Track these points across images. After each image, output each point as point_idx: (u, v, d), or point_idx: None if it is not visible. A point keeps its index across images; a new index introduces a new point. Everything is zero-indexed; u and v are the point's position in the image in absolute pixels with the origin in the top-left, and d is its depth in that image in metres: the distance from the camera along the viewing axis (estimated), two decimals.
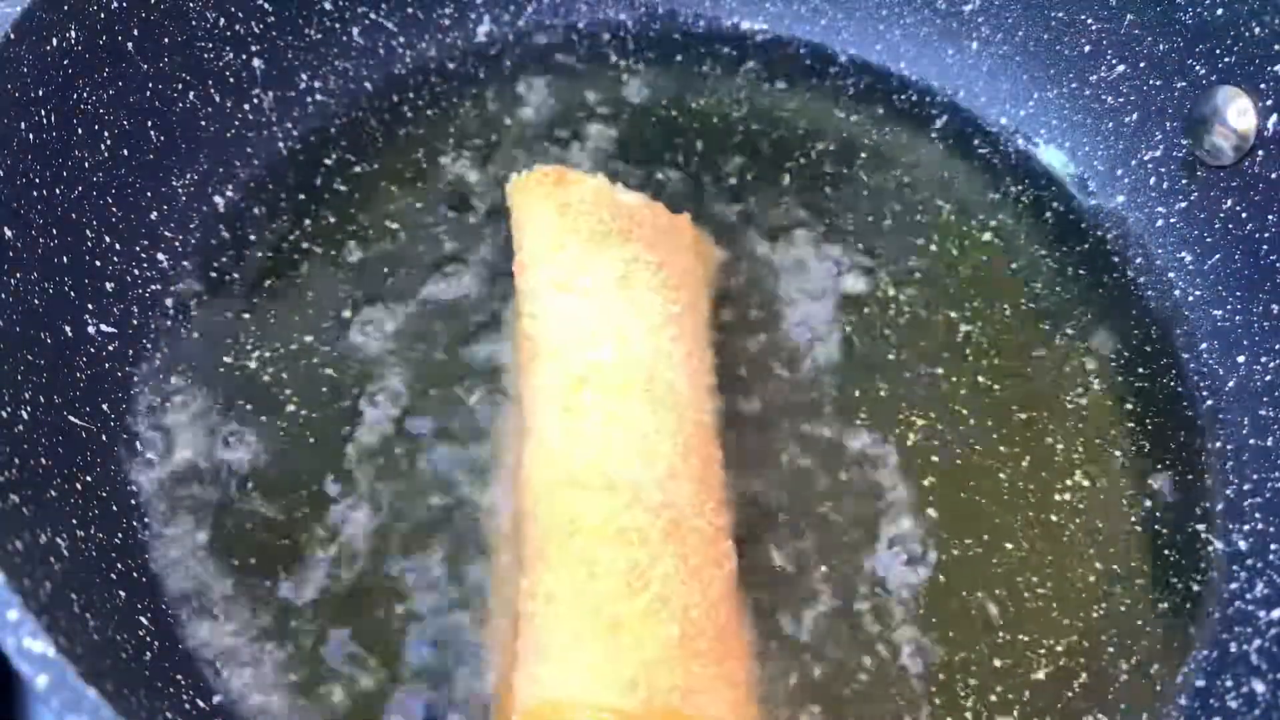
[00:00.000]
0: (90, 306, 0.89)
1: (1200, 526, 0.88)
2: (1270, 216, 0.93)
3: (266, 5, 1.05)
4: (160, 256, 0.97)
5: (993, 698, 0.81)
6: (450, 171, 1.06)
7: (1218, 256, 0.98)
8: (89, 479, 0.82)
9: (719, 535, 0.81)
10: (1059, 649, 0.83)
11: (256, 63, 1.05)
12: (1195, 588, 0.86)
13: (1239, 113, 0.95)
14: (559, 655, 0.73)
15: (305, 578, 0.83)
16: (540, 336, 0.87)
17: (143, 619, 0.78)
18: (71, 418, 0.83)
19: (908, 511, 0.87)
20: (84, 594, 0.73)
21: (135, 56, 0.94)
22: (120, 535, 0.82)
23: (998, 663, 0.82)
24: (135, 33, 0.94)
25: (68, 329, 0.86)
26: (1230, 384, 0.94)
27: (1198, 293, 0.99)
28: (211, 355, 0.93)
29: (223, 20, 1.01)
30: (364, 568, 0.83)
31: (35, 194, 0.85)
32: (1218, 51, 0.97)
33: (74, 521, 0.78)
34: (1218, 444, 0.92)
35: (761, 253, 1.01)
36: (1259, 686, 0.78)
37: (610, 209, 0.93)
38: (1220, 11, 0.96)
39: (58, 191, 0.87)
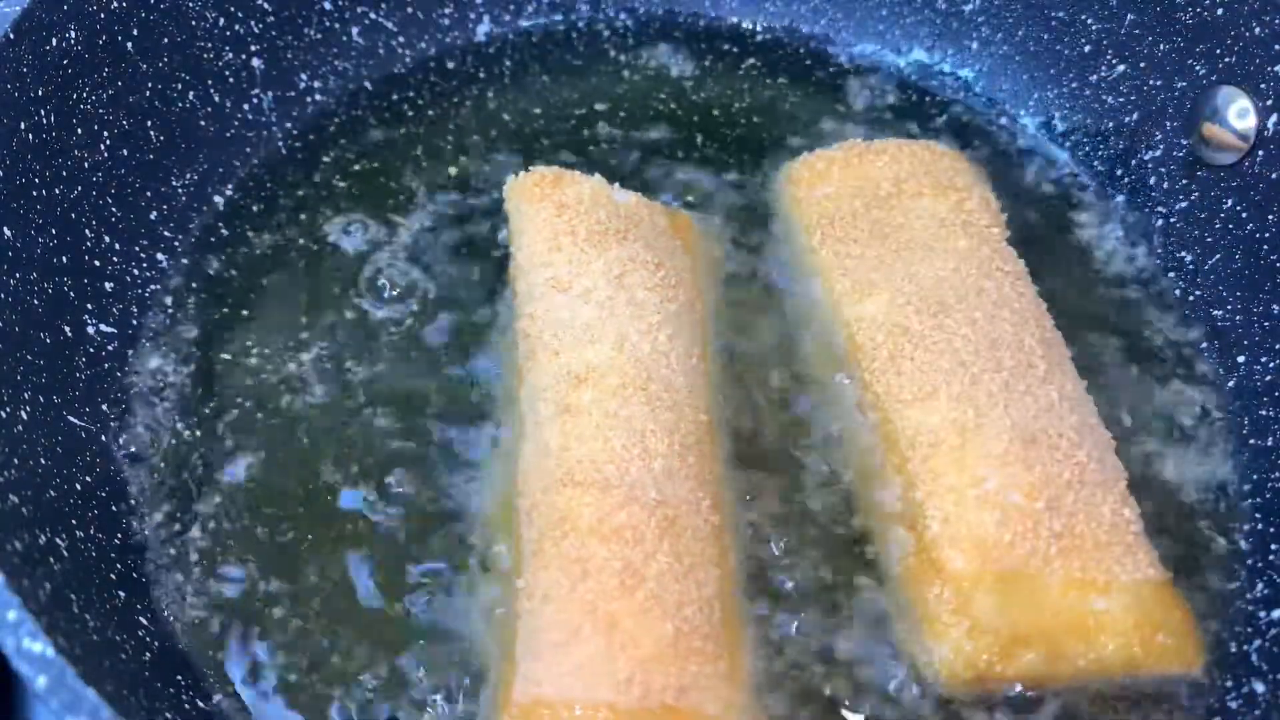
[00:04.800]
0: (90, 306, 0.89)
1: (1201, 526, 0.88)
2: (1270, 216, 0.93)
3: (266, 5, 1.05)
4: (160, 256, 0.97)
5: (999, 699, 0.80)
6: (449, 171, 1.06)
7: (1218, 256, 0.98)
8: (89, 479, 0.82)
9: (715, 532, 0.81)
10: None
11: (256, 63, 1.05)
12: (1197, 588, 0.86)
13: (1239, 113, 0.95)
14: (554, 653, 0.73)
15: (303, 576, 0.83)
16: (538, 336, 0.87)
17: (142, 619, 0.78)
18: (71, 418, 0.83)
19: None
20: (84, 594, 0.73)
21: (135, 56, 0.94)
22: (120, 535, 0.82)
23: None
24: (135, 33, 0.94)
25: (67, 329, 0.87)
26: (1230, 384, 0.94)
27: (1198, 293, 0.99)
28: (211, 354, 0.93)
29: (223, 20, 1.02)
30: (362, 566, 0.83)
31: (35, 194, 0.85)
32: (1218, 51, 0.97)
33: (74, 521, 0.78)
34: (1218, 444, 0.92)
35: (763, 250, 1.01)
36: (1259, 686, 0.78)
37: (608, 209, 0.94)
38: (1220, 11, 0.96)
39: (58, 191, 0.87)
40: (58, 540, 0.75)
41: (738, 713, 0.75)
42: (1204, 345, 0.97)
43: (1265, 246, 0.93)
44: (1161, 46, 1.02)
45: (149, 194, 0.97)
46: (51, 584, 0.70)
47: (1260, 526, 0.87)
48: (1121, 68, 1.05)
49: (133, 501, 0.85)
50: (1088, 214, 1.05)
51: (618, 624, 0.73)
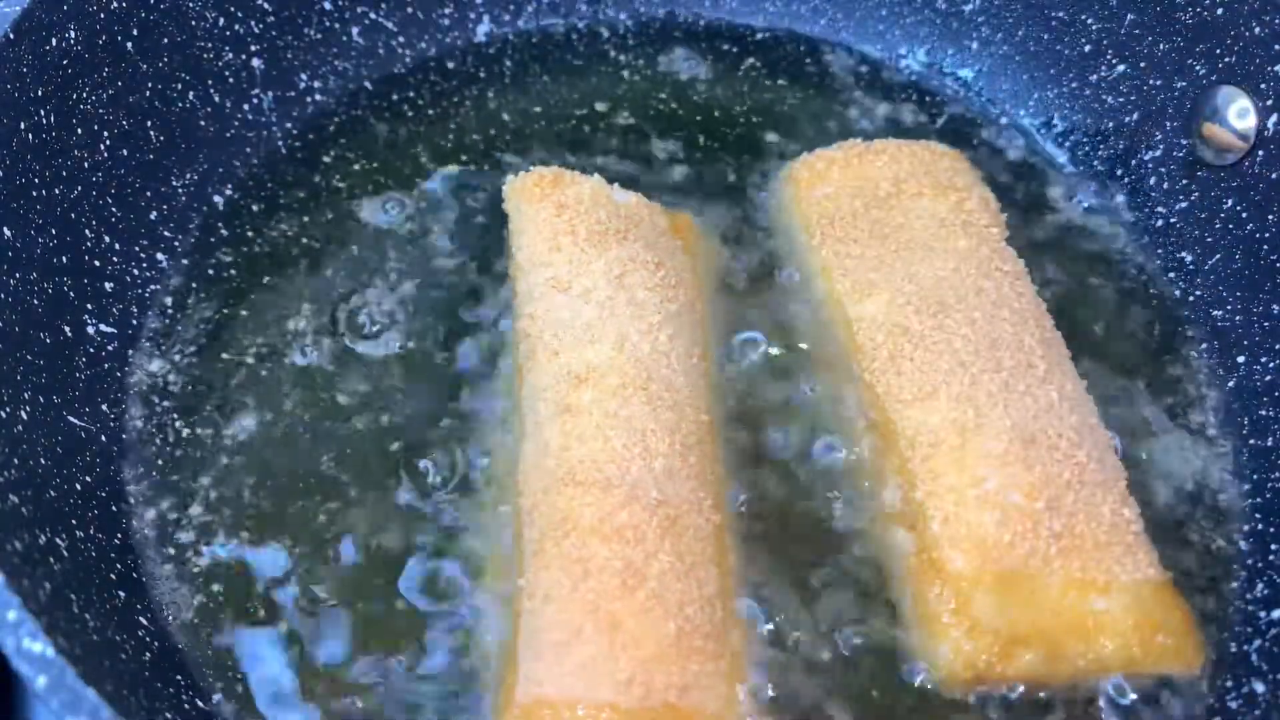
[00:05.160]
0: (90, 306, 0.89)
1: (1200, 526, 0.88)
2: (1270, 216, 0.93)
3: (266, 5, 1.05)
4: (160, 256, 0.97)
5: (1000, 699, 0.80)
6: (449, 170, 1.06)
7: (1218, 256, 0.98)
8: (89, 479, 0.82)
9: (717, 532, 0.81)
10: None
11: (256, 63, 1.05)
12: (1197, 588, 0.86)
13: (1239, 113, 0.95)
14: (556, 653, 0.73)
15: (305, 576, 0.83)
16: (538, 336, 0.87)
17: (142, 619, 0.78)
18: (71, 418, 0.83)
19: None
20: (84, 594, 0.73)
21: (135, 56, 0.94)
22: (120, 535, 0.82)
23: None
24: (135, 33, 0.94)
25: (67, 329, 0.87)
26: (1230, 384, 0.94)
27: (1198, 293, 0.99)
28: (210, 352, 0.93)
29: (223, 20, 1.02)
30: (362, 565, 0.83)
31: (35, 194, 0.85)
32: (1218, 51, 0.97)
33: (74, 521, 0.78)
34: (1218, 444, 0.92)
35: (763, 250, 1.01)
36: (1259, 686, 0.78)
37: (607, 209, 0.94)
38: (1220, 11, 0.96)
39: (58, 191, 0.87)
40: (58, 540, 0.75)
41: (738, 712, 0.75)
42: (1204, 345, 0.97)
43: (1265, 246, 0.94)
44: (1161, 46, 1.02)
45: (149, 194, 0.96)
46: (51, 584, 0.70)
47: (1260, 526, 0.87)
48: (1121, 68, 1.05)
49: (132, 501, 0.85)
50: (1087, 214, 1.05)
51: (619, 623, 0.73)
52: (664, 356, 0.86)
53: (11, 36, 0.82)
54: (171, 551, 0.83)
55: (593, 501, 0.78)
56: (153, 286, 0.96)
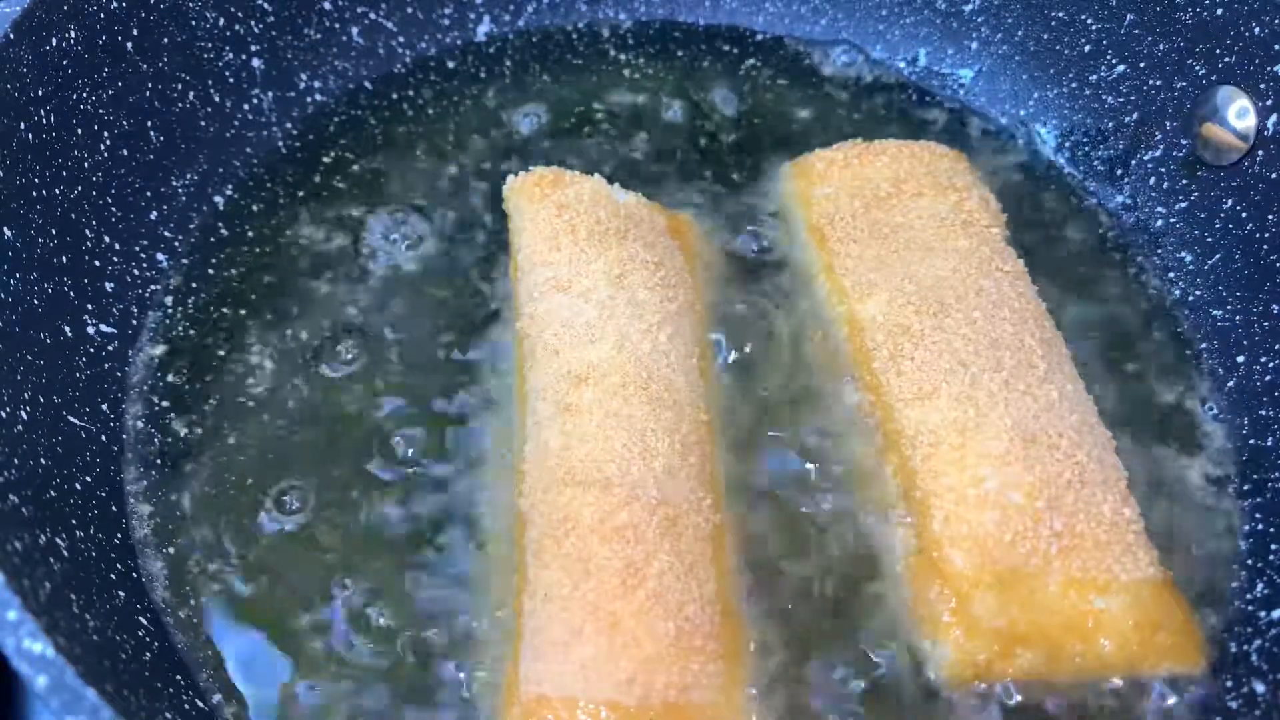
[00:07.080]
0: (90, 306, 0.89)
1: (1200, 526, 0.88)
2: (1270, 216, 0.93)
3: (266, 5, 1.05)
4: (160, 256, 0.97)
5: (1000, 698, 0.80)
6: (449, 170, 1.06)
7: (1218, 256, 0.98)
8: (89, 479, 0.82)
9: (716, 532, 0.81)
10: None
11: (256, 63, 1.05)
12: (1197, 588, 0.86)
13: (1239, 113, 0.95)
14: (556, 653, 0.73)
15: (306, 575, 0.83)
16: (538, 336, 0.87)
17: (142, 619, 0.78)
18: (71, 418, 0.83)
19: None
20: (84, 594, 0.73)
21: (135, 56, 0.94)
22: (120, 535, 0.82)
23: None
24: (135, 33, 0.94)
25: (68, 329, 0.87)
26: (1230, 384, 0.94)
27: (1198, 293, 0.99)
28: (210, 353, 0.93)
29: (223, 20, 1.02)
30: (363, 565, 0.83)
31: (35, 194, 0.85)
32: (1218, 51, 0.97)
33: (74, 521, 0.78)
34: (1218, 444, 0.92)
35: (763, 250, 1.01)
36: (1259, 686, 0.78)
37: (607, 209, 0.94)
38: (1220, 11, 0.96)
39: (58, 191, 0.87)
40: (58, 540, 0.75)
41: (738, 711, 0.75)
42: (1204, 345, 0.97)
43: (1265, 246, 0.94)
44: (1161, 46, 1.02)
45: (149, 194, 0.97)
46: (51, 584, 0.70)
47: (1260, 526, 0.87)
48: (1121, 68, 1.05)
49: (133, 501, 0.85)
50: (1087, 214, 1.05)
51: (619, 623, 0.73)
52: (664, 356, 0.86)
53: (11, 36, 0.82)
54: (171, 551, 0.83)
55: (593, 501, 0.78)
56: (153, 286, 0.96)
